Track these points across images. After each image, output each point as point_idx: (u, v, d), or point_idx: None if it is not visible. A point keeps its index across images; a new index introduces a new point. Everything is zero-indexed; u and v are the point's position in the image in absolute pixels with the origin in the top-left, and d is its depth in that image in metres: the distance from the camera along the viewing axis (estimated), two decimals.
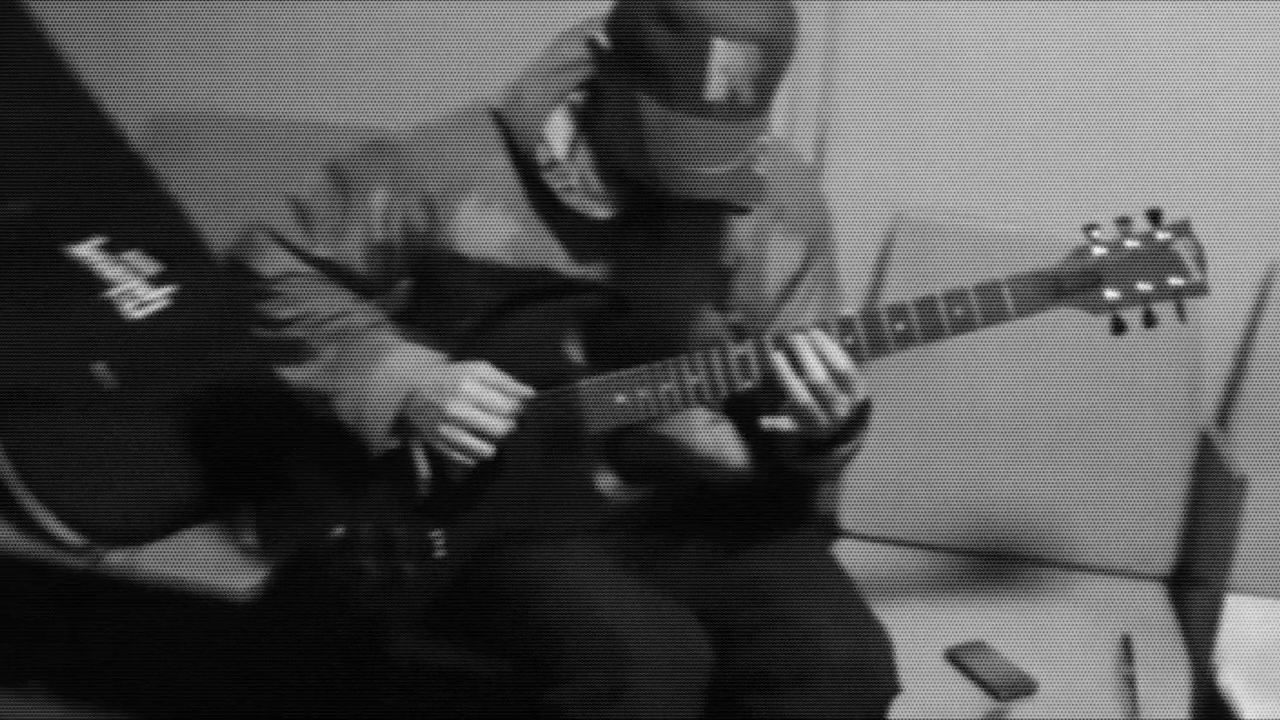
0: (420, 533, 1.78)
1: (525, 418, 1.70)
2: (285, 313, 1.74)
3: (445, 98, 1.77)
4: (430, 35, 2.39)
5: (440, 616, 1.81)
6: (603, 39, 1.58)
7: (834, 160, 2.27)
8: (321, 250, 1.74)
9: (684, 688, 1.61)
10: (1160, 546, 2.13)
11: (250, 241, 1.76)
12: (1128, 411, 2.12)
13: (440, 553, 1.77)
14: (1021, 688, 1.85)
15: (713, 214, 1.70)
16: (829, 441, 1.67)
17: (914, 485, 2.17)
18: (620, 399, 1.68)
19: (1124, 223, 1.55)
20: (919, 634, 1.87)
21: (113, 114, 2.48)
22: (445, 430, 1.68)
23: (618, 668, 1.58)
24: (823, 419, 1.60)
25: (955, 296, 1.57)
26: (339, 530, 1.81)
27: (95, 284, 2.24)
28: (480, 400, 1.67)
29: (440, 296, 1.78)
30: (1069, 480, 2.13)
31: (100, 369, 2.15)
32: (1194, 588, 2.09)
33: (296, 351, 1.74)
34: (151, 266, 2.30)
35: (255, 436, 2.00)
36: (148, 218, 2.39)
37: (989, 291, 1.57)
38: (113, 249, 2.29)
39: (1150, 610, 2.07)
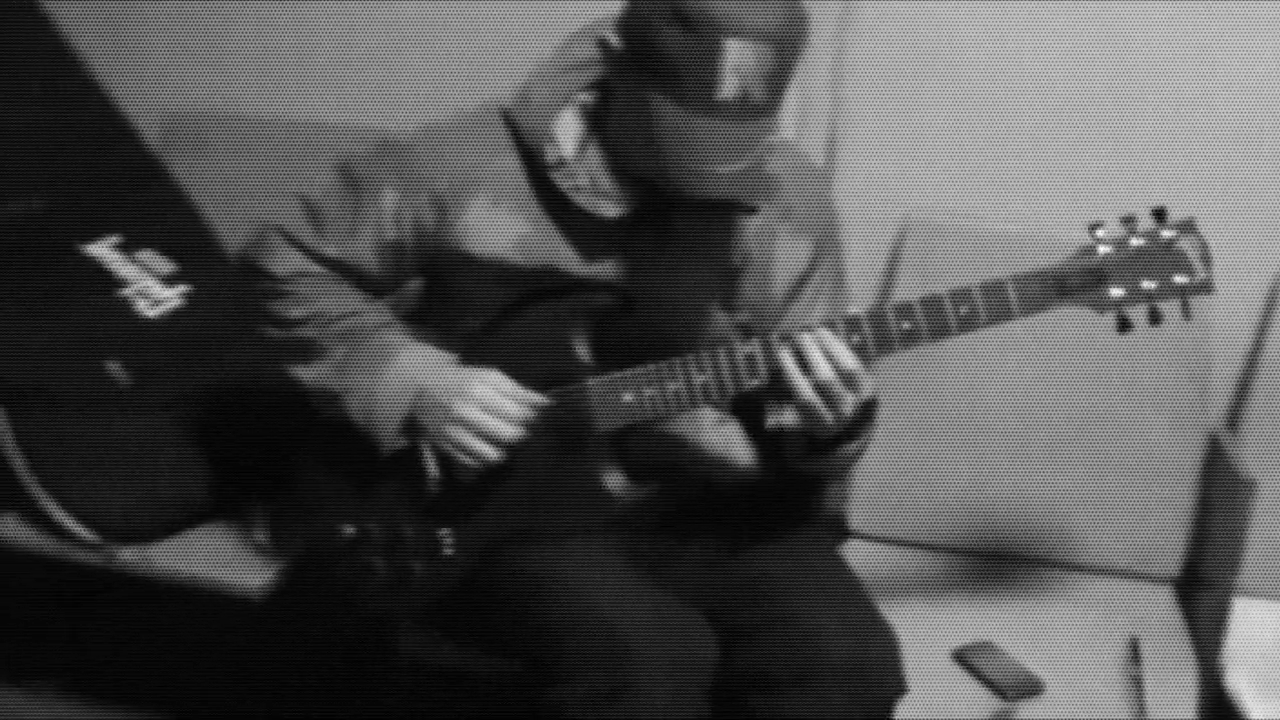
0: (429, 532, 1.78)
1: (534, 418, 1.71)
2: (296, 312, 1.75)
3: (458, 98, 1.78)
4: (439, 36, 2.41)
5: (446, 615, 1.82)
6: (614, 39, 1.59)
7: (844, 162, 2.28)
8: (332, 250, 1.75)
9: (688, 687, 1.61)
10: (1168, 548, 2.13)
11: (262, 241, 1.77)
12: (1137, 413, 2.12)
13: (448, 551, 1.78)
14: (1029, 688, 1.85)
15: (721, 214, 1.70)
16: (835, 440, 1.67)
17: (922, 486, 2.17)
18: (627, 398, 1.68)
19: (1129, 221, 1.54)
20: (926, 634, 1.87)
21: (127, 114, 2.49)
22: (452, 431, 1.68)
23: (622, 667, 1.58)
24: (829, 418, 1.60)
25: (961, 295, 1.57)
26: (348, 529, 1.81)
27: (110, 282, 2.26)
28: (489, 404, 1.68)
29: (449, 296, 1.79)
30: (1077, 481, 2.13)
31: (114, 367, 2.16)
32: (1202, 589, 2.09)
33: (307, 351, 1.75)
34: (165, 265, 2.32)
35: (266, 435, 2.01)
36: (161, 216, 2.40)
37: (994, 290, 1.56)
38: (127, 248, 2.31)
39: (1158, 612, 2.07)
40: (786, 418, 1.63)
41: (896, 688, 1.67)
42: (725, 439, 1.81)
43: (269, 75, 2.53)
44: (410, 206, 1.72)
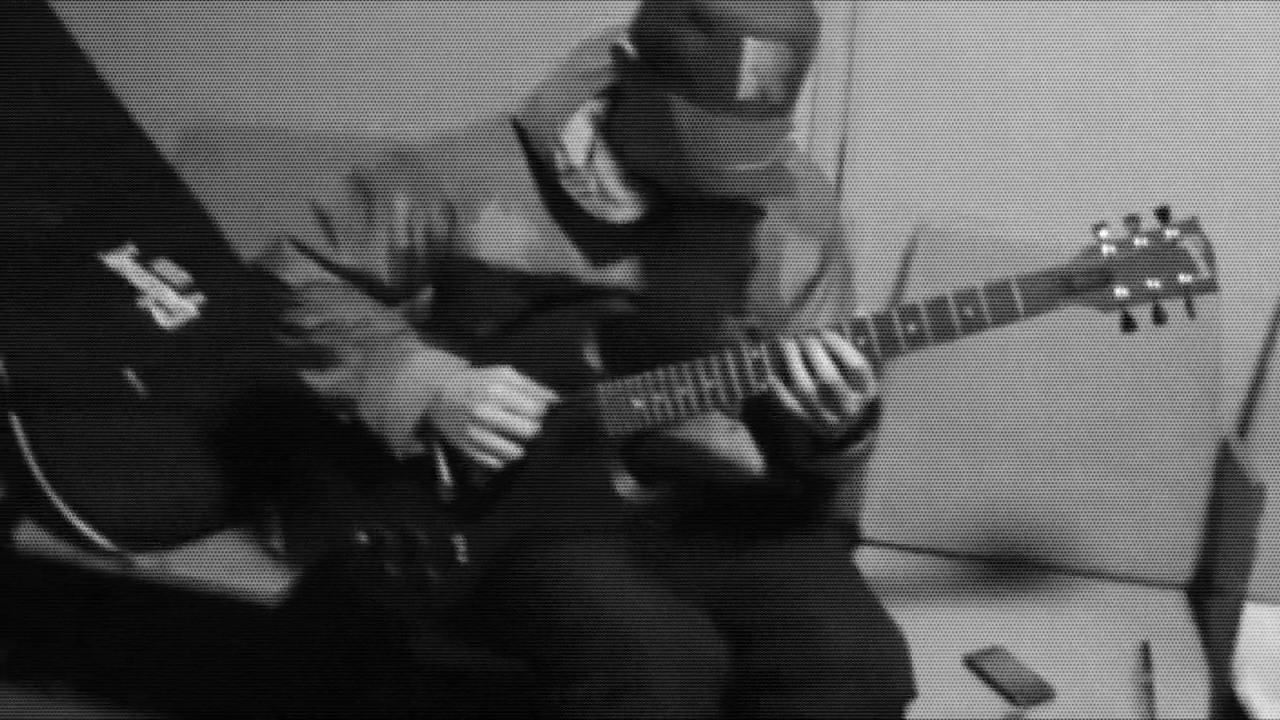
0: (443, 538, 1.80)
1: (546, 422, 1.72)
2: (310, 321, 1.76)
3: (471, 106, 1.80)
4: (455, 46, 2.42)
5: (458, 617, 1.83)
6: (628, 46, 1.60)
7: (855, 170, 2.28)
8: (345, 259, 1.76)
9: (698, 687, 1.61)
10: (1180, 554, 2.13)
11: (276, 251, 1.79)
12: (1148, 419, 2.12)
13: (462, 559, 1.79)
14: (1040, 694, 1.85)
15: (729, 217, 1.72)
16: (841, 441, 1.67)
17: (934, 492, 2.17)
18: (637, 403, 1.69)
19: (1132, 221, 1.55)
20: (938, 639, 1.87)
21: (143, 125, 2.51)
22: (474, 432, 1.70)
23: (631, 667, 1.58)
24: (834, 418, 1.61)
25: (966, 296, 1.57)
26: (363, 535, 1.83)
27: (130, 293, 2.28)
28: (508, 403, 1.69)
29: (461, 303, 1.80)
30: (1089, 487, 2.13)
31: (131, 376, 2.18)
32: (1213, 595, 2.08)
33: (321, 358, 1.76)
34: (181, 275, 2.33)
35: (281, 442, 2.02)
36: (176, 225, 2.42)
37: (999, 290, 1.57)
38: (144, 258, 2.32)
39: (1169, 618, 2.06)
40: (786, 396, 1.62)
41: (906, 690, 1.67)
42: (735, 444, 1.82)
43: (284, 86, 2.55)
44: (422, 214, 1.73)
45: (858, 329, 1.60)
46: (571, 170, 1.69)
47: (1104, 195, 2.14)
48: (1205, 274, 1.54)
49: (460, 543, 1.79)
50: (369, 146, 1.90)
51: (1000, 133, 2.22)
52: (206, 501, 2.15)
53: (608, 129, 1.71)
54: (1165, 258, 1.54)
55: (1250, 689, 1.92)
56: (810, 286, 1.79)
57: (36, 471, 2.11)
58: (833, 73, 2.23)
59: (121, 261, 2.30)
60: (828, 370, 1.58)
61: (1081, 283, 1.56)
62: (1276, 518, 1.94)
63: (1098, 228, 1.57)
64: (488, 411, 1.69)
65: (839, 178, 2.28)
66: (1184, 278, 1.54)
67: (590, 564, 1.73)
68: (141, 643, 2.50)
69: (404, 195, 1.74)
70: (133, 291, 2.28)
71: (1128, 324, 1.57)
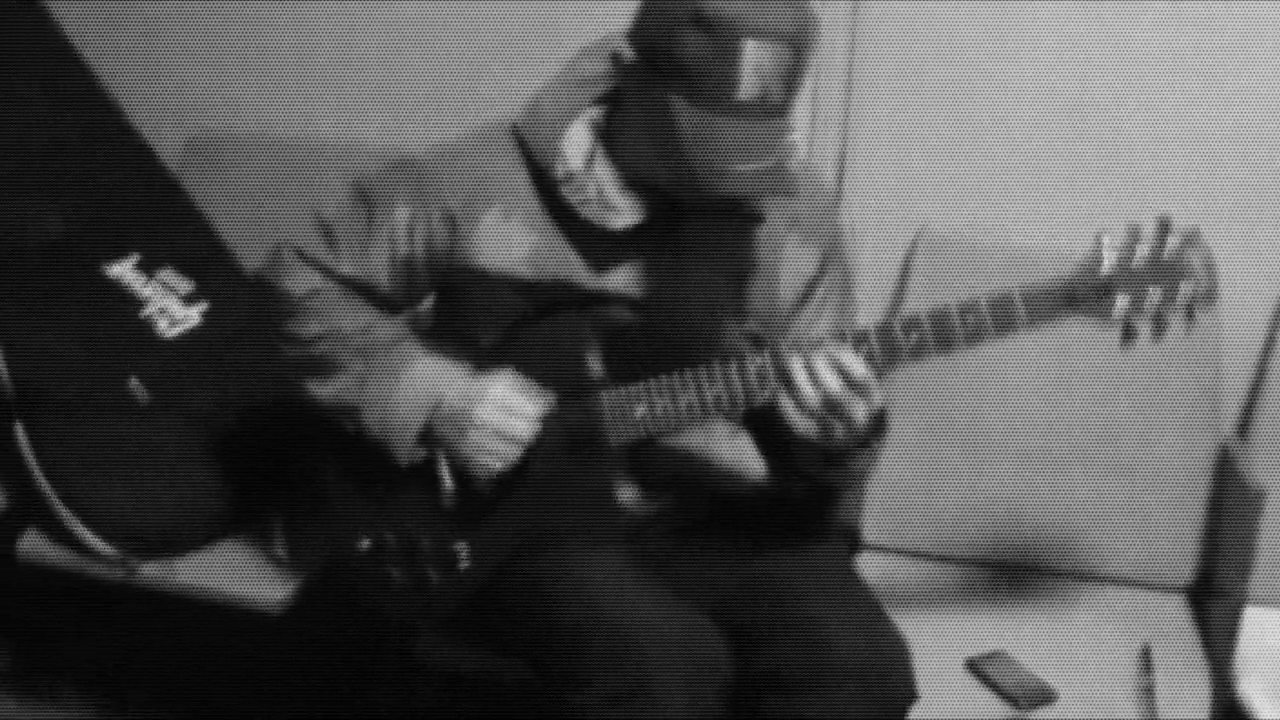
0: (446, 544, 1.80)
1: (547, 428, 1.72)
2: (312, 330, 1.77)
3: (476, 116, 1.80)
4: (458, 57, 2.43)
5: (462, 621, 1.83)
6: (627, 50, 1.61)
7: (856, 176, 2.28)
8: (347, 267, 1.77)
9: (703, 691, 1.61)
10: (1180, 557, 2.13)
11: (277, 260, 1.80)
12: (1148, 423, 2.12)
13: (465, 564, 1.79)
14: (1041, 697, 1.86)
15: (728, 222, 1.72)
16: (847, 451, 1.67)
17: (935, 497, 2.17)
18: (640, 410, 1.69)
19: (1134, 231, 1.55)
20: (939, 644, 1.88)
21: (146, 135, 2.51)
22: (475, 435, 1.70)
23: (635, 670, 1.59)
24: (840, 429, 1.61)
25: (968, 307, 1.57)
26: (365, 541, 1.83)
27: (133, 302, 2.28)
28: (507, 405, 1.70)
29: (462, 311, 1.80)
30: (1089, 491, 2.13)
31: (135, 385, 2.18)
32: (1213, 598, 2.09)
33: (322, 367, 1.77)
34: (184, 284, 2.33)
35: (284, 449, 2.03)
36: (179, 234, 2.42)
37: (1001, 302, 1.56)
38: (147, 267, 2.32)
39: (1170, 621, 2.07)
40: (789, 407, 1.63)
41: (908, 694, 1.68)
42: (738, 451, 1.82)
43: (285, 95, 2.55)
44: (423, 222, 1.74)
45: (859, 340, 1.60)
46: (571, 177, 1.69)
47: (1105, 199, 2.17)
48: (1206, 284, 1.54)
49: (462, 548, 1.79)
50: (370, 155, 1.90)
51: (1001, 136, 2.22)
52: (210, 508, 2.15)
53: (607, 135, 1.71)
54: (1167, 267, 1.54)
55: (1251, 691, 1.92)
56: (809, 290, 1.79)
57: (40, 478, 2.12)
58: (833, 74, 2.23)
59: (125, 271, 2.30)
60: (833, 382, 1.58)
61: (1084, 294, 1.56)
62: (1277, 520, 1.95)
63: (1099, 237, 1.57)
64: (486, 414, 1.69)
65: (839, 182, 2.28)
66: (1185, 288, 1.54)
67: (592, 567, 1.73)
68: (145, 649, 2.51)
69: (405, 204, 1.74)
70: (135, 302, 2.28)
71: (1127, 335, 1.57)
